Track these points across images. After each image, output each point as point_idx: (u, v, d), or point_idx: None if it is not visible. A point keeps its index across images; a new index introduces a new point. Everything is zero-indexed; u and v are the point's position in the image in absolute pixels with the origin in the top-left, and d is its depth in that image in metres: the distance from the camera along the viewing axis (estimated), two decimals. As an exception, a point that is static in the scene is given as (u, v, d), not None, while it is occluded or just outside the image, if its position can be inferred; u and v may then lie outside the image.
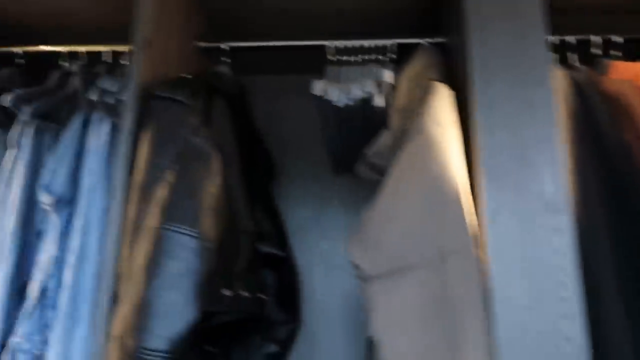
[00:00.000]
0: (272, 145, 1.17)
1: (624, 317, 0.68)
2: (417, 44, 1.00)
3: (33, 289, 0.86)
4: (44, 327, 0.86)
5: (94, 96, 0.88)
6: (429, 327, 0.62)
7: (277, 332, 1.02)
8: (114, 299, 0.72)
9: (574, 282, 0.62)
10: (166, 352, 0.64)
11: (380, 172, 0.91)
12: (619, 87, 0.81)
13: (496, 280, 0.61)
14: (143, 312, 0.65)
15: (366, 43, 1.00)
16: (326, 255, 1.23)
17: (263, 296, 0.88)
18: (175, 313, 0.65)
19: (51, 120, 0.98)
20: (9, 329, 0.88)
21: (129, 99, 0.79)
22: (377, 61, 0.99)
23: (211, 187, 0.74)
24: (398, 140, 0.86)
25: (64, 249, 0.89)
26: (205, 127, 0.78)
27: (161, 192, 0.72)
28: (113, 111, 0.92)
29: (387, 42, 1.00)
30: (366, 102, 0.80)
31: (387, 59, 0.99)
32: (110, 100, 0.88)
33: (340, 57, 0.99)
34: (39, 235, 0.93)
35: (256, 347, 1.00)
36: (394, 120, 0.87)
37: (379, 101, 0.79)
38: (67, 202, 0.89)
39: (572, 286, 0.62)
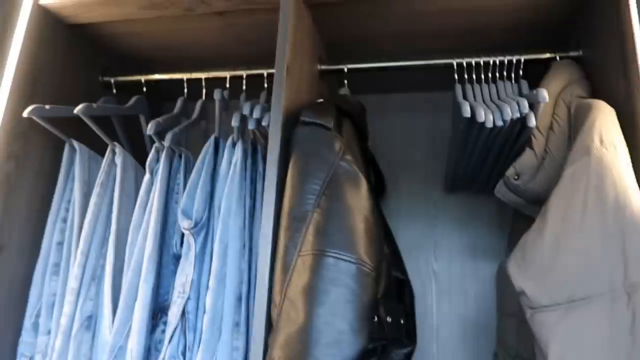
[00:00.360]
0: (381, 163, 1.15)
1: None
2: (544, 60, 0.97)
3: (173, 312, 0.88)
4: (185, 350, 0.87)
5: (235, 122, 0.89)
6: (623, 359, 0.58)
7: (394, 355, 0.99)
8: (269, 325, 0.72)
9: None
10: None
11: (518, 192, 0.87)
12: None
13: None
14: (308, 339, 0.65)
15: (491, 60, 0.97)
16: (439, 277, 1.20)
17: (402, 320, 0.86)
18: (344, 341, 0.64)
19: (179, 145, 1.02)
20: (149, 351, 0.90)
21: (274, 124, 0.80)
22: (503, 78, 0.96)
23: (364, 211, 0.73)
24: (542, 161, 0.83)
25: (200, 271, 0.91)
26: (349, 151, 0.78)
27: (316, 218, 0.71)
28: (245, 135, 0.95)
29: (514, 57, 0.97)
30: (517, 122, 0.77)
31: (513, 76, 0.97)
32: (252, 125, 0.89)
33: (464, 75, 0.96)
34: (174, 258, 0.96)
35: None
36: (537, 139, 0.84)
37: (532, 122, 0.76)
38: (204, 226, 0.91)
39: None
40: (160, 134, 0.97)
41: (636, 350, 0.57)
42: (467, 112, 0.75)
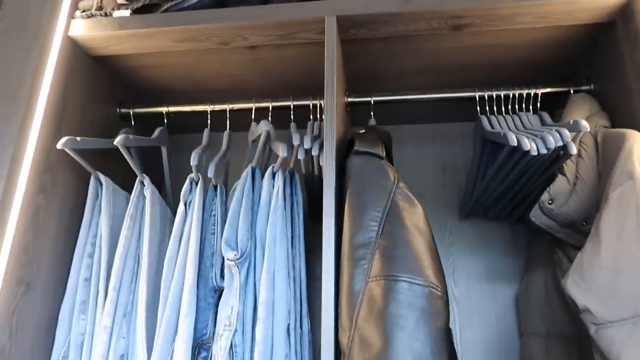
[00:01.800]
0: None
1: None
2: (556, 93, 1.05)
3: (221, 346, 0.85)
4: (235, 386, 0.85)
5: (284, 152, 0.90)
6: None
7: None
8: (337, 352, 0.72)
9: None
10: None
11: (552, 216, 0.92)
12: None
13: None
14: (389, 365, 0.65)
15: (511, 93, 1.04)
16: (459, 301, 1.23)
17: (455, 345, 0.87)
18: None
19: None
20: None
21: (329, 155, 0.81)
22: (522, 109, 1.03)
23: (426, 236, 0.76)
24: (574, 186, 0.89)
25: (244, 303, 0.89)
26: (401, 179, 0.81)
27: (382, 244, 0.73)
28: (285, 165, 0.96)
29: (532, 91, 1.04)
30: (559, 150, 0.83)
31: (531, 108, 1.04)
32: (301, 155, 0.90)
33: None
34: (212, 290, 0.94)
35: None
36: (569, 166, 0.90)
37: (573, 149, 0.81)
38: (248, 256, 0.90)
39: None
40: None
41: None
42: (513, 142, 0.80)
